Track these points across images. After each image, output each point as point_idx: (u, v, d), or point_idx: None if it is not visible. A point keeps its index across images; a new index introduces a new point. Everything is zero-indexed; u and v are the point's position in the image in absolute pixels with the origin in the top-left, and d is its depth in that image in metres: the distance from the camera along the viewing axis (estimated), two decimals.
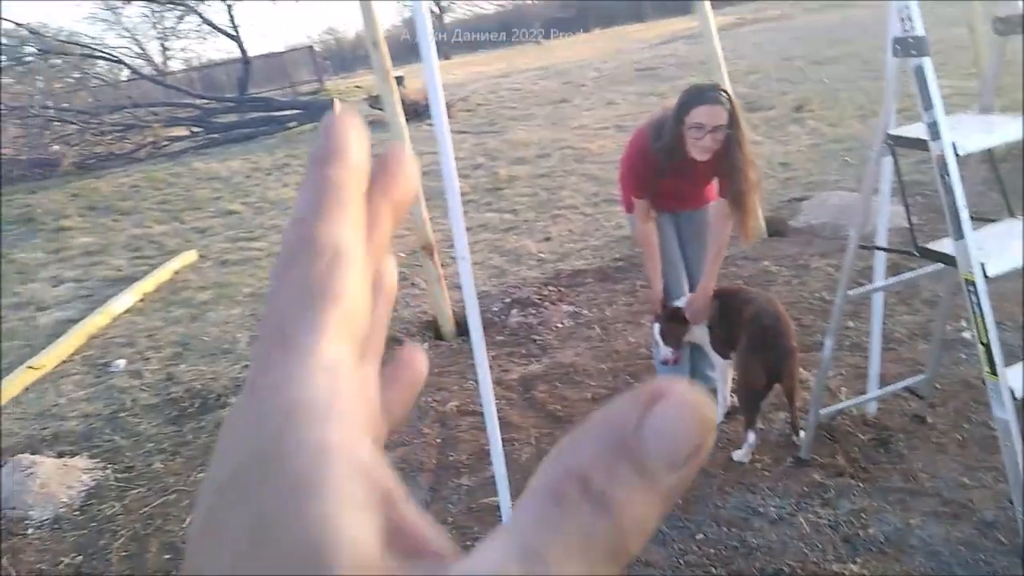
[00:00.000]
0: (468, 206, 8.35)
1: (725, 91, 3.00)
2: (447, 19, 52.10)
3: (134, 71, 18.56)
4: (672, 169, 3.11)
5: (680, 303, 3.48)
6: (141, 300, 6.79)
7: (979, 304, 2.20)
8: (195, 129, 15.95)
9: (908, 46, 2.20)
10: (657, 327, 3.51)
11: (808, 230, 5.88)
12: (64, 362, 5.65)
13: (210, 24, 23.46)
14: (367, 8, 4.97)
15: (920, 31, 2.18)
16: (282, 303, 0.22)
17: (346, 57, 45.93)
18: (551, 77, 20.20)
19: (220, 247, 8.27)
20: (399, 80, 17.18)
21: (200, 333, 5.90)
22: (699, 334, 3.50)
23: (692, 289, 3.53)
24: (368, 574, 0.17)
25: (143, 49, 27.91)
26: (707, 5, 5.45)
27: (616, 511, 0.18)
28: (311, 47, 32.37)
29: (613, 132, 11.02)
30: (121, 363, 5.52)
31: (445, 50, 47.96)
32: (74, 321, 6.37)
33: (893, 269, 3.51)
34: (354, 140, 0.24)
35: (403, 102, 16.08)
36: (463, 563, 0.18)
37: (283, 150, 13.50)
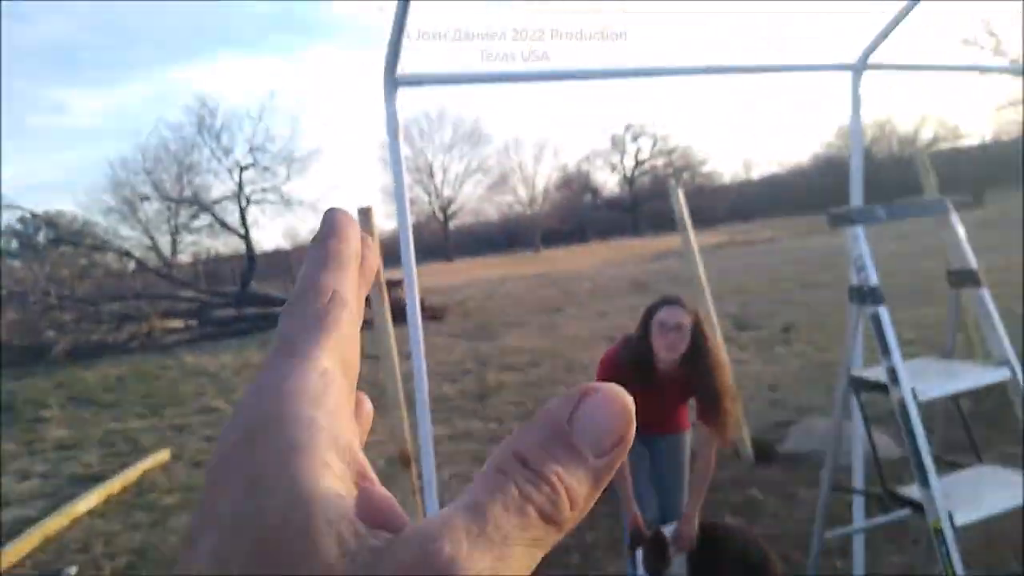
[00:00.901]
0: (454, 413, 8.25)
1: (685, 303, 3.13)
2: (452, 225, 54.74)
3: (140, 263, 19.13)
4: (643, 386, 3.08)
5: (665, 530, 3.32)
6: (105, 501, 6.50)
7: (948, 554, 2.07)
8: (191, 322, 16.15)
9: (864, 295, 2.23)
10: (640, 552, 3.33)
11: (795, 456, 5.74)
12: (15, 566, 5.30)
13: (221, 223, 24.55)
14: (365, 220, 5.17)
15: (874, 281, 2.22)
16: (291, 325, 0.27)
17: None
18: (547, 285, 20.82)
19: (195, 447, 8.06)
20: (398, 284, 17.72)
21: (160, 540, 5.58)
22: (678, 565, 3.31)
23: (668, 519, 3.38)
24: (343, 526, 0.20)
25: (153, 242, 28.96)
26: (689, 228, 5.68)
27: (549, 482, 0.22)
28: None
29: (604, 344, 11.13)
30: (72, 570, 5.18)
31: (448, 253, 50.08)
32: (34, 520, 6.06)
33: (881, 503, 3.37)
34: (349, 226, 0.30)
35: (398, 304, 16.32)
36: (422, 521, 0.22)
37: None
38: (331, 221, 0.30)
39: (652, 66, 2.59)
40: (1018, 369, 2.45)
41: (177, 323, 16.18)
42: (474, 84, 2.34)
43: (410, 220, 2.27)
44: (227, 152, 25.04)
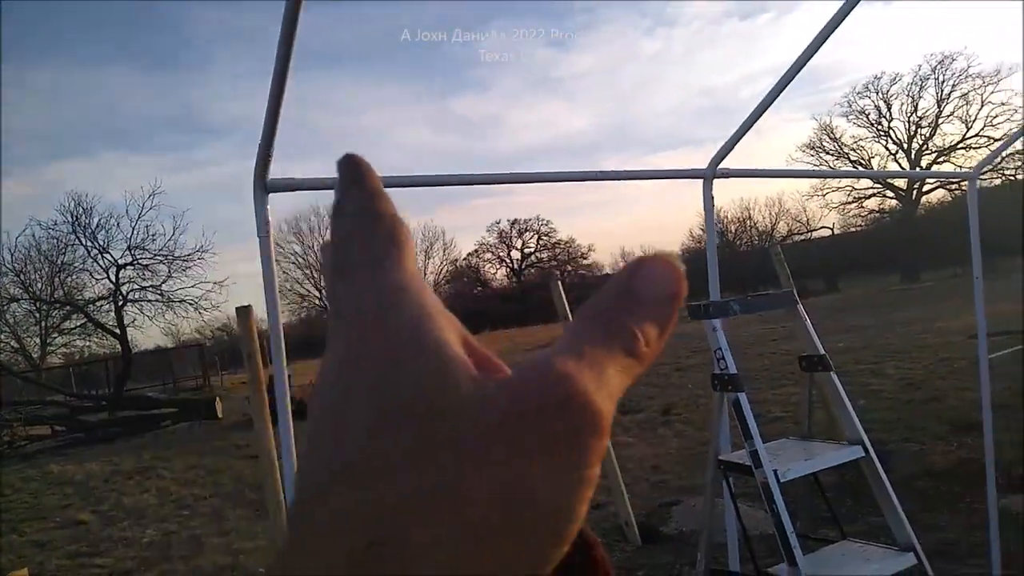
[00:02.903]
0: None
1: None
2: None
3: (2, 366, 17.83)
4: None
5: None
6: None
7: None
8: (59, 428, 15.06)
9: (724, 382, 2.36)
10: None
11: (680, 536, 5.83)
12: None
13: (96, 323, 23.26)
14: (243, 318, 5.04)
15: (733, 369, 2.36)
16: (365, 248, 0.28)
17: (238, 352, 45.89)
18: None
19: (57, 564, 7.42)
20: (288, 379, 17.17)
21: None
22: None
23: None
24: (471, 371, 0.25)
25: (21, 344, 27.08)
26: (570, 317, 5.83)
27: (624, 325, 0.26)
28: (201, 344, 32.31)
29: None
30: None
31: None
32: None
33: None
34: (370, 167, 0.31)
35: (292, 400, 15.83)
36: (529, 357, 0.26)
37: (151, 451, 12.83)
38: (355, 163, 0.31)
39: (521, 171, 2.73)
40: (869, 447, 2.62)
41: (43, 430, 15.05)
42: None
43: (281, 321, 2.26)
44: (103, 251, 23.99)
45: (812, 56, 2.47)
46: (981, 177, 3.56)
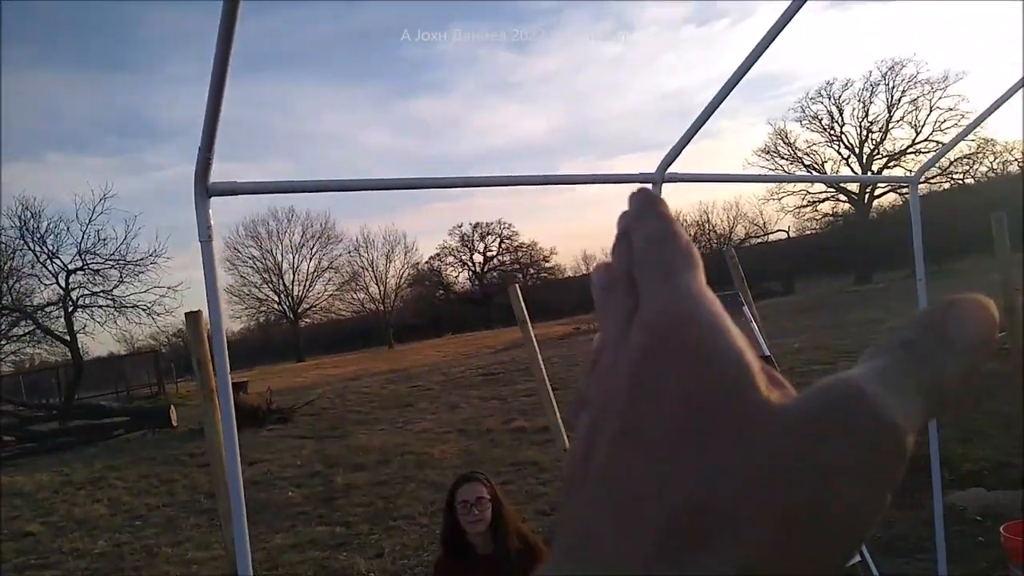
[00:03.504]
0: (298, 519, 7.88)
1: (482, 473, 3.44)
2: (303, 324, 53.33)
3: None
4: (466, 565, 3.26)
5: None
6: None
7: None
8: (7, 438, 14.66)
9: None
10: None
11: None
12: None
13: (45, 330, 22.69)
14: (193, 324, 4.96)
15: None
16: (671, 257, 0.31)
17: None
18: (400, 381, 20.55)
19: None
20: (242, 386, 16.96)
21: None
22: None
23: None
24: (768, 391, 0.26)
25: None
26: (528, 321, 5.83)
27: (927, 359, 0.27)
28: (156, 351, 31.71)
29: (455, 436, 11.09)
30: None
31: (300, 352, 48.57)
32: None
33: None
34: (661, 201, 0.34)
35: (242, 407, 15.43)
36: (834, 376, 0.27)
37: (103, 460, 12.55)
38: (648, 194, 0.34)
39: (474, 175, 2.73)
40: None
41: None
42: (290, 194, 2.37)
43: (224, 328, 2.22)
44: (52, 256, 23.42)
45: (755, 61, 2.51)
46: (925, 182, 3.65)
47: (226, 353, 2.16)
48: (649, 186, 2.92)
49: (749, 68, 2.54)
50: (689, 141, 2.81)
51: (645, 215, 0.33)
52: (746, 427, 0.25)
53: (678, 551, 0.24)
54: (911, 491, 5.95)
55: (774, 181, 42.86)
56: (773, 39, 2.45)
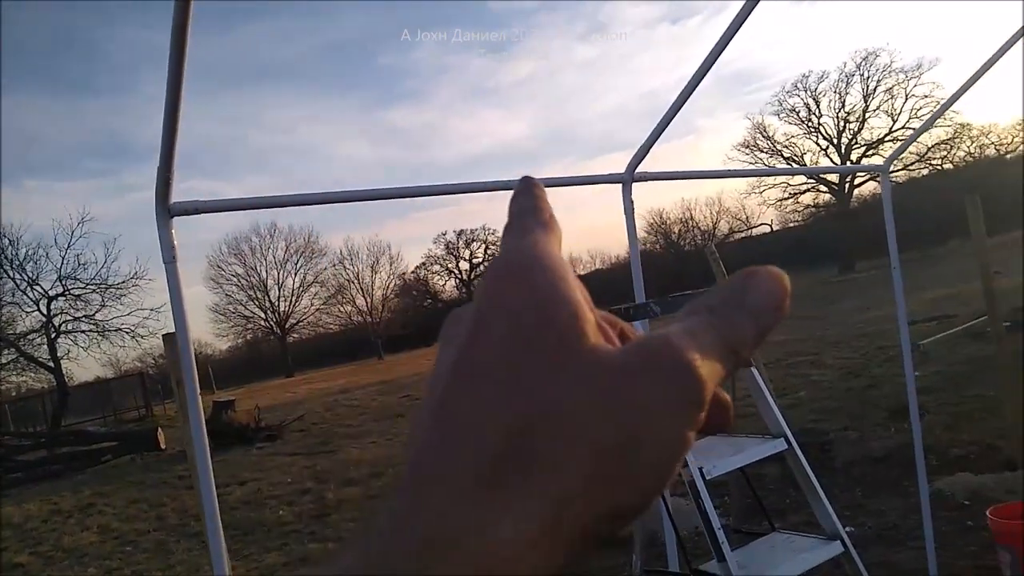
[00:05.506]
0: (289, 537, 7.81)
1: None
2: (290, 339, 53.08)
3: None
4: None
5: None
6: None
7: None
8: None
9: None
10: None
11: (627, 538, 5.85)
12: None
13: (28, 358, 22.45)
14: (170, 345, 4.90)
15: None
16: (523, 226, 0.33)
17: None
18: (390, 392, 20.47)
19: None
20: (230, 404, 16.82)
21: None
22: None
23: None
24: (598, 329, 0.29)
25: None
26: None
27: (729, 321, 0.30)
28: (143, 373, 31.45)
29: None
30: None
31: (289, 368, 48.30)
32: None
33: None
34: (542, 189, 0.36)
35: (231, 426, 15.32)
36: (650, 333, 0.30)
37: (92, 487, 12.41)
38: (529, 181, 0.36)
39: (449, 183, 2.71)
40: (792, 440, 2.66)
41: None
42: (253, 210, 2.35)
43: (192, 349, 2.20)
44: (33, 283, 23.19)
45: (716, 58, 2.51)
46: (904, 169, 3.66)
47: (194, 371, 2.14)
48: (618, 186, 2.92)
49: (710, 66, 2.55)
50: (655, 140, 2.81)
51: (520, 195, 0.35)
52: (570, 365, 0.27)
53: (499, 476, 0.25)
54: (898, 479, 5.98)
55: (745, 176, 42.96)
56: (732, 36, 2.45)
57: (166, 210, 2.06)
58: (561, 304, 0.29)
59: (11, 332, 23.30)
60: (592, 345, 0.28)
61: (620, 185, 2.96)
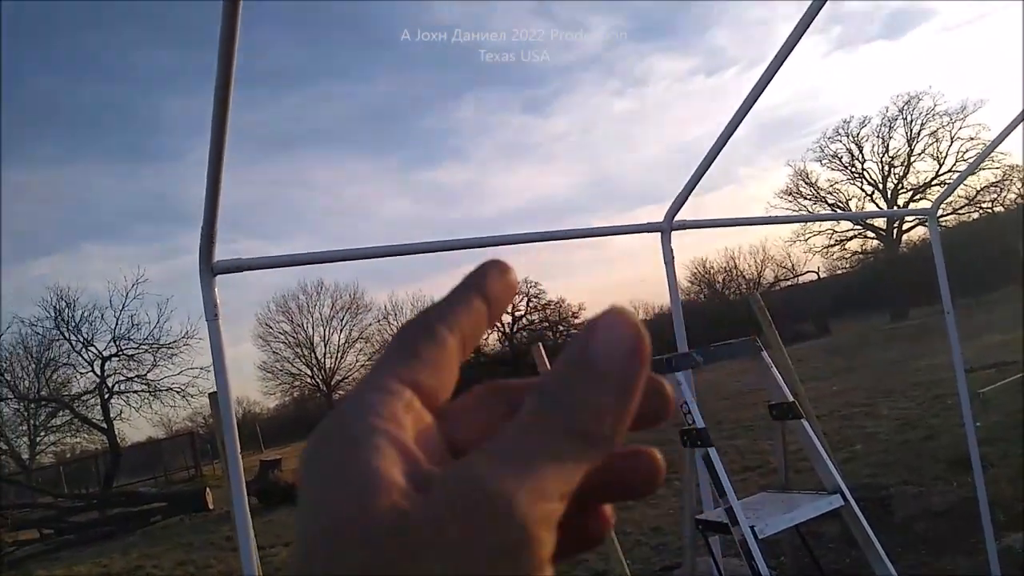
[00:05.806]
0: None
1: None
2: (336, 395, 53.43)
3: None
4: None
5: None
6: None
7: None
8: (47, 531, 14.68)
9: (692, 438, 2.30)
10: None
11: None
12: None
13: (82, 419, 22.92)
14: (216, 405, 4.96)
15: (700, 424, 2.31)
16: (382, 357, 0.30)
17: None
18: None
19: None
20: (277, 463, 16.89)
21: None
22: None
23: None
24: (393, 496, 0.24)
25: (9, 445, 26.61)
26: None
27: (567, 401, 0.25)
28: (193, 433, 31.84)
29: None
30: None
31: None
32: None
33: None
34: (491, 270, 0.32)
35: (277, 485, 15.35)
36: (462, 459, 0.25)
37: (141, 549, 12.47)
38: (479, 271, 0.32)
39: (485, 235, 2.73)
40: (848, 495, 2.56)
41: (31, 534, 14.65)
42: (295, 266, 2.38)
43: (232, 408, 2.21)
44: (88, 344, 23.80)
45: (753, 103, 2.50)
46: (954, 213, 3.58)
47: (235, 428, 2.15)
48: (658, 235, 2.90)
49: (746, 113, 2.54)
50: (693, 187, 2.80)
51: (438, 304, 0.33)
52: (360, 556, 0.23)
53: None
54: (963, 536, 5.69)
55: (786, 222, 42.60)
56: (767, 83, 2.45)
57: (209, 269, 2.09)
58: (352, 481, 0.24)
59: (66, 394, 23.87)
60: (383, 522, 0.23)
61: (659, 234, 2.94)
